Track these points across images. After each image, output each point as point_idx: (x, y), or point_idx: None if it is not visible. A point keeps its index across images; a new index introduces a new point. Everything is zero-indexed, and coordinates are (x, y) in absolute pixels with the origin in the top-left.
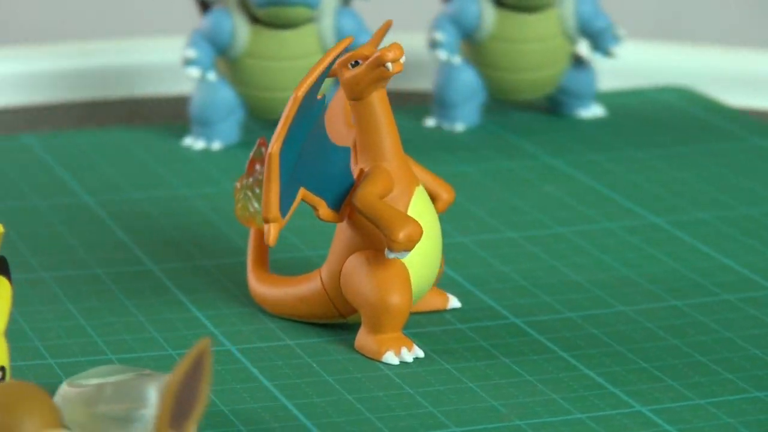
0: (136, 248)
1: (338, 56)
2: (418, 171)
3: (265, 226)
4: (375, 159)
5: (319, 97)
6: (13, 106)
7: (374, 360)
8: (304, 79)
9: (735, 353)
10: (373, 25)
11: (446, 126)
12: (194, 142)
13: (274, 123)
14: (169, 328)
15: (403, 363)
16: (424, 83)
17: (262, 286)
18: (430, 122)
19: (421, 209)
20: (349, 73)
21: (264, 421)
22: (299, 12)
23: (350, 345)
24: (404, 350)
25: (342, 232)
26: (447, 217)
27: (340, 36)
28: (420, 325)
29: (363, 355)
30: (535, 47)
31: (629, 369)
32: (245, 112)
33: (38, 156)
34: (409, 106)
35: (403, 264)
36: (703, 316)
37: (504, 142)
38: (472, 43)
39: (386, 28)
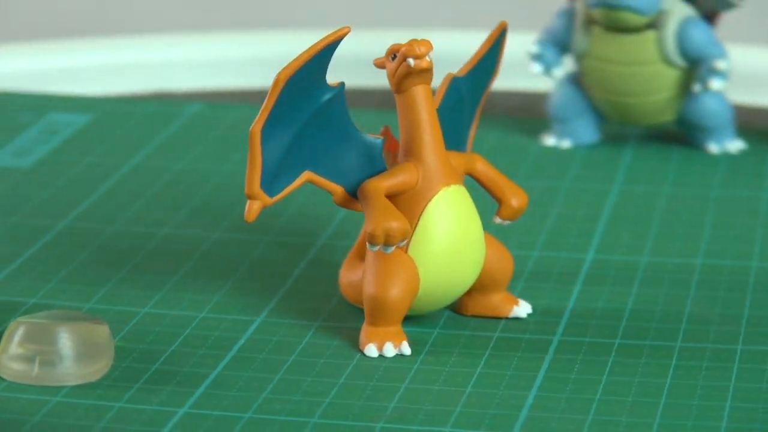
0: None
1: (331, 45)
2: (487, 172)
3: (248, 203)
4: (408, 154)
5: (334, 84)
6: None
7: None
8: (290, 63)
9: None
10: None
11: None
12: (550, 140)
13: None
14: None
15: (398, 357)
16: None
17: (342, 275)
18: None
19: (444, 209)
20: (387, 66)
21: None
22: (627, 17)
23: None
24: (388, 345)
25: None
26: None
27: (682, 45)
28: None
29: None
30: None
31: None
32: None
33: None
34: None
35: (409, 260)
36: None
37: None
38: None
39: (499, 29)
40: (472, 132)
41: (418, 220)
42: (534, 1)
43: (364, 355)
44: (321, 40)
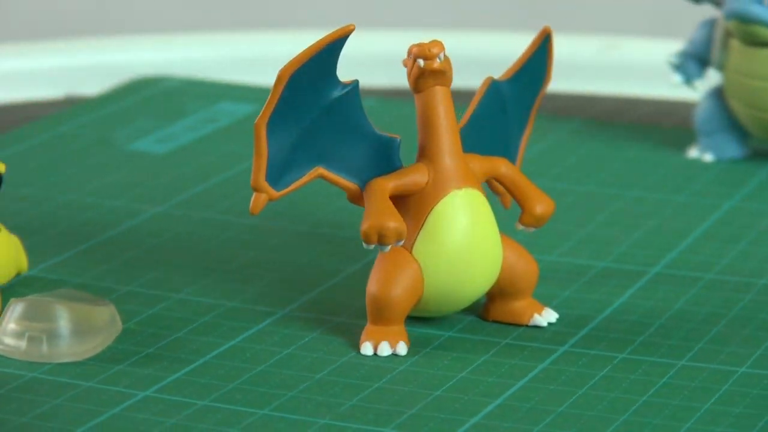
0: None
1: (334, 42)
2: (511, 176)
3: (253, 195)
4: (422, 155)
5: (347, 82)
6: None
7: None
8: (292, 59)
9: None
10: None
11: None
12: (693, 152)
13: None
14: None
15: (391, 357)
16: None
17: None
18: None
19: (452, 212)
20: (406, 65)
21: None
22: (760, 30)
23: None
24: (384, 344)
25: None
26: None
27: None
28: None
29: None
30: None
31: None
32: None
33: None
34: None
35: (412, 261)
36: None
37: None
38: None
39: (542, 35)
40: (525, 138)
41: (424, 221)
42: (534, 1)
43: (359, 353)
44: (324, 37)
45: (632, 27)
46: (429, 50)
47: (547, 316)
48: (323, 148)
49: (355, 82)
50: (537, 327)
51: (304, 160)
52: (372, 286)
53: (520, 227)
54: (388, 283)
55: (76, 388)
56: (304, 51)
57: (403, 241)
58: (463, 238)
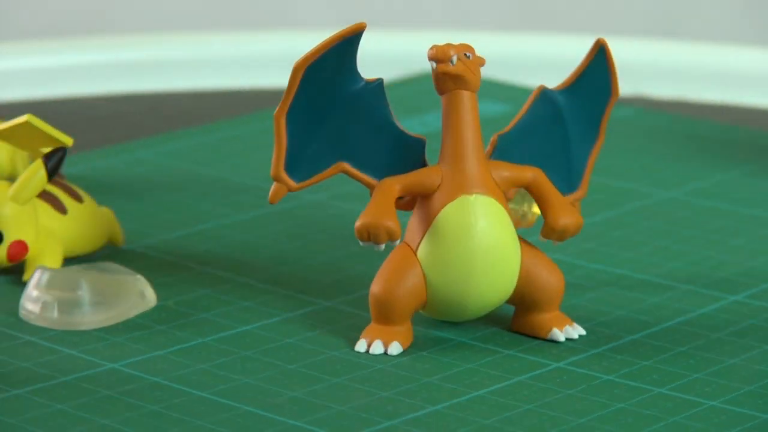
0: None
1: (350, 39)
2: (539, 187)
3: (273, 185)
4: (440, 157)
5: (371, 80)
6: None
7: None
8: (307, 53)
9: None
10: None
11: None
12: None
13: None
14: None
15: (379, 356)
16: None
17: None
18: None
19: (458, 217)
20: None
21: None
22: None
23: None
24: (378, 342)
25: None
26: None
27: None
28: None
29: None
30: None
31: None
32: None
33: None
34: None
35: (415, 262)
36: None
37: None
38: None
39: (596, 47)
40: (593, 155)
41: (430, 225)
42: (535, 1)
43: (351, 349)
44: (337, 32)
45: (631, 27)
46: (442, 53)
47: (569, 332)
48: (346, 144)
49: (379, 81)
50: (554, 341)
51: (327, 155)
52: (374, 285)
53: (541, 239)
54: (389, 283)
55: (57, 353)
56: (317, 45)
57: (398, 241)
58: (465, 245)
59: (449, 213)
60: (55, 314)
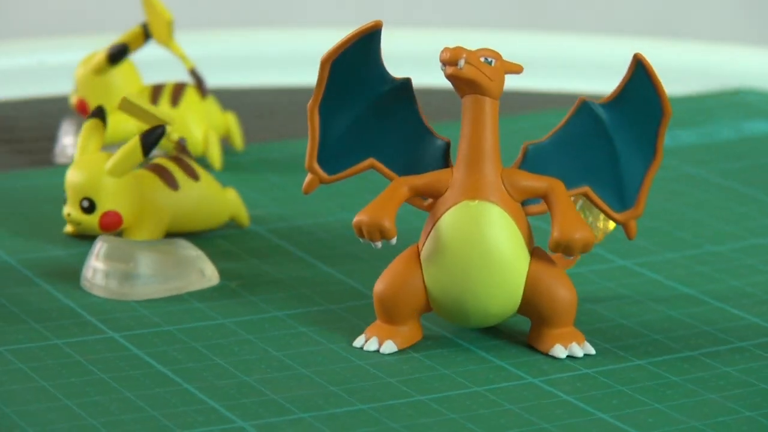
0: None
1: (370, 35)
2: (553, 200)
3: (307, 175)
4: (456, 161)
5: (399, 78)
6: None
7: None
8: (332, 47)
9: None
10: None
11: None
12: None
13: None
14: None
15: (369, 353)
16: None
17: None
18: None
19: (457, 222)
20: None
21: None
22: None
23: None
24: (374, 340)
25: None
26: None
27: None
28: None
29: None
30: None
31: None
32: None
33: None
34: None
35: (415, 264)
36: None
37: None
38: None
39: (634, 62)
40: (649, 175)
41: (432, 227)
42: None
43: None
44: (355, 30)
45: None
46: (450, 55)
47: (574, 350)
48: (375, 141)
49: (406, 80)
50: (554, 358)
51: (358, 150)
52: (377, 283)
53: (551, 254)
54: (388, 282)
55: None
56: (339, 41)
57: (394, 241)
58: (460, 250)
59: (450, 217)
60: (110, 284)
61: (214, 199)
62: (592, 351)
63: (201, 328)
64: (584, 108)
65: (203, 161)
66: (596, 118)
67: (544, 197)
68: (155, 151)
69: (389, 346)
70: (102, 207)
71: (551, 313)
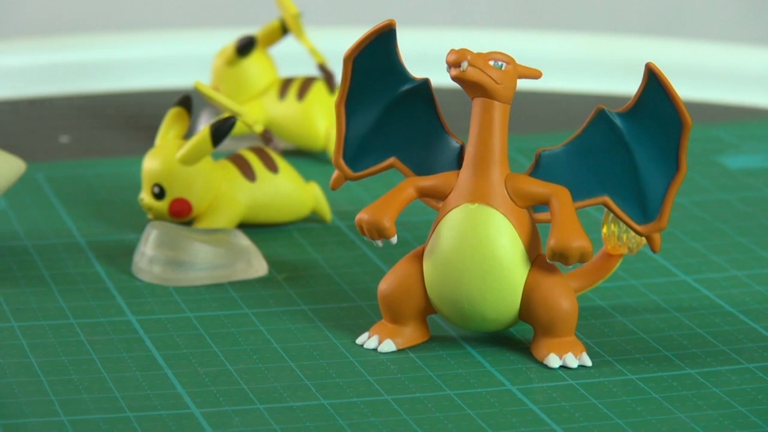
0: None
1: (385, 34)
2: (554, 207)
3: (335, 171)
4: (464, 162)
5: (418, 78)
6: None
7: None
8: (351, 45)
9: None
10: None
11: None
12: None
13: None
14: None
15: (366, 350)
16: None
17: None
18: None
19: (454, 225)
20: None
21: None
22: None
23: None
24: (374, 338)
25: None
26: None
27: None
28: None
29: None
30: None
31: None
32: None
33: None
34: None
35: (416, 264)
36: None
37: None
38: None
39: (647, 73)
40: (673, 188)
41: (434, 229)
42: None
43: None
44: (370, 29)
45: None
46: (454, 57)
47: (568, 360)
48: (396, 140)
49: (424, 80)
50: (546, 367)
51: (382, 148)
52: (381, 282)
53: (549, 261)
54: (391, 281)
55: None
56: (358, 39)
57: (394, 240)
58: (455, 253)
59: (448, 219)
60: (155, 269)
61: (293, 192)
62: (588, 363)
63: (220, 317)
64: (601, 116)
65: (324, 157)
66: (613, 127)
67: (546, 204)
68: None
69: (388, 346)
70: (172, 194)
71: (549, 322)
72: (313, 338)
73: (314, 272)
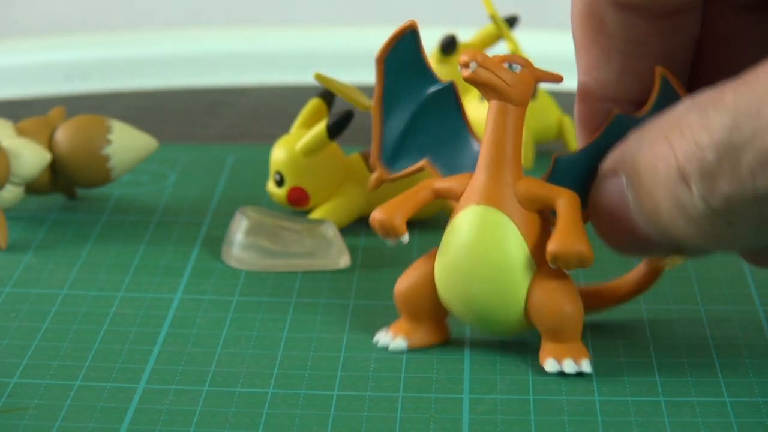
0: None
1: (402, 36)
2: (560, 211)
3: (373, 173)
4: (477, 163)
5: (444, 80)
6: None
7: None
8: (381, 47)
9: None
10: None
11: None
12: None
13: None
14: None
15: (365, 347)
16: None
17: None
18: None
19: (462, 226)
20: None
21: None
22: None
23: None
24: (389, 335)
25: None
26: None
27: None
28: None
29: None
30: None
31: None
32: None
33: None
34: None
35: (430, 262)
36: None
37: None
38: None
39: (658, 76)
40: None
41: (446, 229)
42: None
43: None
44: (392, 33)
45: None
46: (464, 57)
47: (567, 365)
48: (427, 142)
49: (449, 83)
50: (547, 375)
51: (415, 150)
52: (398, 280)
53: (551, 266)
54: (406, 280)
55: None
56: (386, 40)
57: (405, 238)
58: (459, 253)
59: (457, 220)
60: (237, 253)
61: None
62: (588, 370)
63: (254, 303)
64: (618, 120)
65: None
66: (628, 132)
67: (553, 208)
68: None
69: (398, 344)
70: (290, 182)
71: (552, 326)
72: (324, 331)
73: (387, 268)
